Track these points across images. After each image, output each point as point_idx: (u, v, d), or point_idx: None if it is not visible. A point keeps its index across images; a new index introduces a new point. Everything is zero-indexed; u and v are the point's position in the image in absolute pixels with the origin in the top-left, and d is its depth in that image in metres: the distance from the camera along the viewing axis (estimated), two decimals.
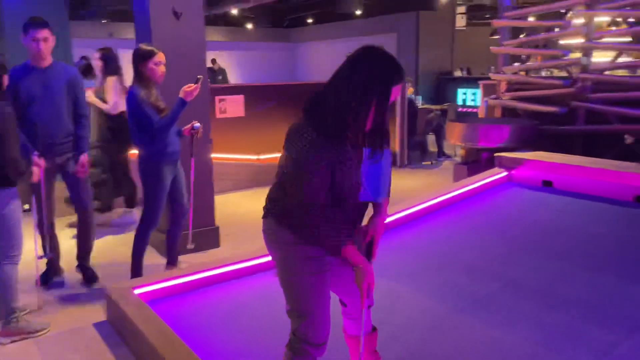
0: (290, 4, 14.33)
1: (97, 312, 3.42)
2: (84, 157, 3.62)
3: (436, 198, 4.69)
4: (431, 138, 8.80)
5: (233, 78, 15.18)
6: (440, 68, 14.44)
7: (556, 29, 5.83)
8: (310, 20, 16.21)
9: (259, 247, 3.91)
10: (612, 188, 4.46)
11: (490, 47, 6.37)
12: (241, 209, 5.89)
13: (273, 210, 1.98)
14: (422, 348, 2.76)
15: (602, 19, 5.90)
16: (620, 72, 6.11)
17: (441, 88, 14.14)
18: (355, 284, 1.92)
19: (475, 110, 11.50)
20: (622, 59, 5.94)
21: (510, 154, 5.24)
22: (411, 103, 8.14)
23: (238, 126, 7.21)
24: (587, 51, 5.61)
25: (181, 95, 3.39)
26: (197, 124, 3.63)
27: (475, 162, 5.95)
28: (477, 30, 17.27)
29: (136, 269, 3.67)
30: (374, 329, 2.25)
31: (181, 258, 4.08)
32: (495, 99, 6.47)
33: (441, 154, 8.65)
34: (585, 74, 5.63)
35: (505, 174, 5.21)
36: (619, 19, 6.00)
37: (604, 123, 5.54)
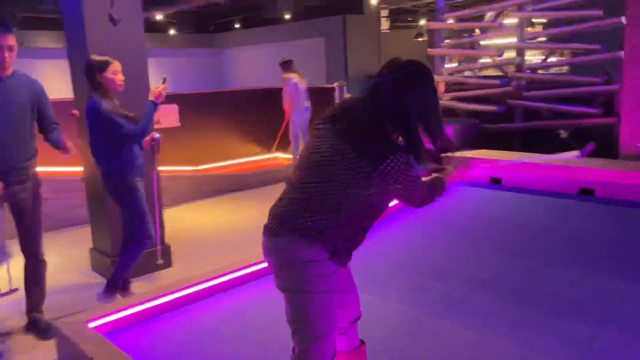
0: (216, 8, 14.00)
1: (44, 353, 3.07)
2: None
3: None
4: None
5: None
6: (369, 71, 14.66)
7: (491, 31, 6.02)
8: (237, 25, 15.90)
9: (219, 265, 3.72)
10: (558, 182, 4.64)
11: (428, 50, 6.47)
12: (186, 224, 5.60)
13: (292, 227, 1.82)
14: (409, 356, 2.69)
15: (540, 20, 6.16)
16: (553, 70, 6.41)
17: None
18: None
19: None
20: (552, 58, 6.23)
21: (458, 154, 5.31)
22: None
23: (174, 137, 6.90)
24: (520, 51, 5.84)
25: (151, 97, 3.33)
26: (157, 135, 3.49)
27: None
28: (400, 33, 17.75)
29: (113, 289, 3.51)
30: (362, 342, 2.20)
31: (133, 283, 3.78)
32: None
33: None
34: (519, 73, 5.85)
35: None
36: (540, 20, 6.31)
37: (539, 119, 5.79)
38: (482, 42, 6.66)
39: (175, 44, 16.96)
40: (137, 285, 3.82)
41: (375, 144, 1.74)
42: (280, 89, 7.36)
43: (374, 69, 9.25)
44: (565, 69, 6.61)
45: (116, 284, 3.53)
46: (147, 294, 3.30)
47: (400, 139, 1.81)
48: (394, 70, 1.80)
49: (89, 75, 3.24)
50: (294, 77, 7.07)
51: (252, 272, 3.63)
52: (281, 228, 1.84)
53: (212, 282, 3.44)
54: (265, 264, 3.68)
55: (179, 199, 6.56)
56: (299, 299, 1.86)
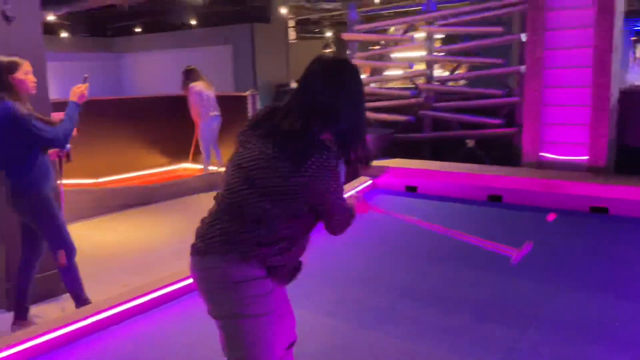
0: (115, 11, 13.26)
1: None
2: None
3: None
4: None
5: (49, 92, 13.50)
6: (277, 80, 14.64)
7: (402, 43, 6.20)
8: (138, 29, 15.17)
9: (130, 287, 3.44)
10: (468, 189, 4.85)
11: None
12: (90, 243, 5.15)
13: (222, 243, 1.67)
14: None
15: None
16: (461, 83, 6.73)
17: (279, 100, 14.30)
18: None
19: None
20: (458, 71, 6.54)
21: (374, 163, 5.40)
22: None
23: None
24: (429, 64, 6.07)
25: (72, 98, 3.06)
26: (68, 146, 3.15)
27: None
28: (309, 44, 17.94)
29: (83, 299, 3.27)
30: None
31: (33, 310, 3.38)
32: None
33: None
34: (429, 85, 6.08)
35: (370, 182, 5.36)
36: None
37: (447, 129, 6.04)
38: (392, 55, 6.86)
39: (67, 47, 15.87)
40: (42, 310, 3.42)
41: (299, 142, 1.63)
42: (186, 97, 7.09)
43: (283, 79, 9.29)
44: (461, 82, 6.97)
45: (83, 298, 3.30)
46: (56, 322, 2.96)
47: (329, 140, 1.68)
48: (325, 67, 1.72)
49: None
50: (197, 85, 6.83)
51: (169, 292, 3.39)
52: (210, 245, 1.69)
53: (126, 305, 3.17)
54: (183, 283, 3.47)
55: (80, 215, 6.03)
56: (235, 325, 1.71)
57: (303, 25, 18.05)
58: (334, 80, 1.69)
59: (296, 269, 1.84)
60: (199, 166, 7.59)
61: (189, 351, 2.79)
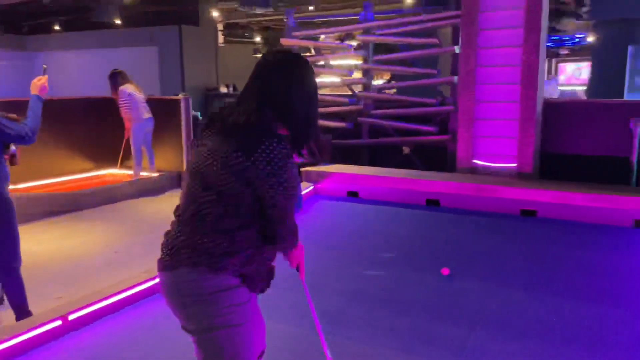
0: (33, 7, 12.47)
1: None
2: None
3: None
4: None
5: None
6: (206, 84, 14.37)
7: (342, 50, 6.31)
8: (57, 27, 14.32)
9: (64, 300, 3.24)
10: (408, 194, 5.00)
11: None
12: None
13: (191, 254, 1.62)
14: None
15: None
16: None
17: (209, 104, 14.05)
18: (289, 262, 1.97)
19: None
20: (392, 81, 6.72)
21: (315, 168, 5.44)
22: (196, 120, 7.86)
23: None
24: (367, 72, 6.21)
25: (34, 91, 2.96)
26: (13, 148, 3.02)
27: None
28: (237, 48, 17.74)
29: (26, 311, 3.13)
30: None
31: None
32: None
33: None
34: (366, 93, 6.21)
35: (311, 187, 5.39)
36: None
37: (384, 136, 6.20)
38: (331, 62, 6.95)
39: None
40: None
41: (251, 131, 1.60)
42: (111, 99, 6.80)
43: (212, 83, 9.13)
44: (392, 91, 7.18)
45: (26, 310, 3.16)
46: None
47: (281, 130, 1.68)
48: (280, 60, 1.71)
49: None
50: (127, 87, 6.57)
51: (111, 304, 3.22)
52: (180, 258, 1.64)
53: (59, 321, 2.96)
54: (124, 294, 3.31)
55: None
56: (213, 338, 1.66)
57: (230, 30, 17.87)
58: (290, 73, 1.69)
59: (269, 275, 1.82)
60: (128, 171, 7.28)
61: None
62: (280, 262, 1.91)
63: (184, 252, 1.63)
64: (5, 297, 3.23)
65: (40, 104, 2.97)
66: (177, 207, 1.74)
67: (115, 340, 2.93)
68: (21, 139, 2.91)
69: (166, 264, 1.66)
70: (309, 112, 1.71)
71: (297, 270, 2.04)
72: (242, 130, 1.61)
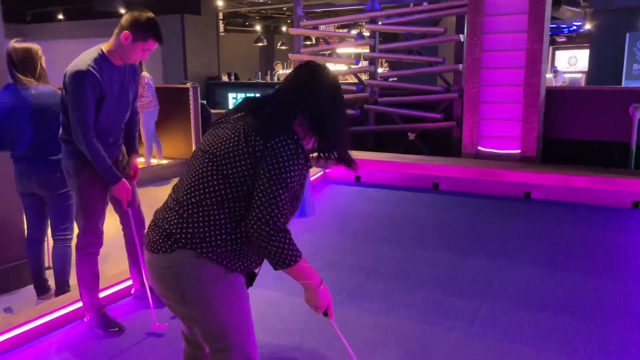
0: None
1: None
2: None
3: None
4: None
5: None
6: (208, 72, 14.48)
7: (349, 39, 6.47)
8: (60, 17, 14.36)
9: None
10: (415, 178, 5.20)
11: (290, 55, 6.69)
12: None
13: (191, 241, 1.61)
14: (328, 344, 2.82)
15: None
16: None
17: (210, 93, 14.17)
18: (314, 307, 1.77)
19: None
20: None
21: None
22: (204, 108, 8.00)
23: None
24: (373, 60, 6.37)
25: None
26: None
27: None
28: (238, 37, 17.82)
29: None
30: None
31: None
32: None
33: None
34: (372, 81, 6.38)
35: (321, 173, 5.58)
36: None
37: (390, 123, 6.38)
38: (338, 51, 7.08)
39: None
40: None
41: (273, 123, 1.64)
42: None
43: (214, 71, 9.32)
44: (393, 78, 7.31)
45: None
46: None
47: (306, 138, 1.71)
48: (331, 76, 1.76)
49: None
50: (146, 74, 6.72)
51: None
52: (171, 241, 1.63)
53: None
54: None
55: None
56: (217, 319, 1.66)
57: (230, 19, 17.92)
58: (336, 93, 1.74)
59: (250, 276, 1.80)
60: (139, 159, 7.43)
61: None
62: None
63: (181, 235, 1.62)
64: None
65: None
66: (177, 185, 1.74)
67: None
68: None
69: (157, 245, 1.65)
70: (342, 130, 1.74)
71: (325, 314, 1.82)
72: (266, 118, 1.65)
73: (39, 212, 3.33)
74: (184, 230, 1.61)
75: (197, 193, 1.63)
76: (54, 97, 3.13)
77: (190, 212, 1.62)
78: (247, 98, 1.78)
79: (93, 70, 2.56)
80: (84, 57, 2.63)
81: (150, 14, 2.67)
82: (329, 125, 1.70)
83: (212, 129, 1.74)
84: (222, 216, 1.61)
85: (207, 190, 1.62)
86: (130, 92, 2.85)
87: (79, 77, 2.53)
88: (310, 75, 1.73)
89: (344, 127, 1.75)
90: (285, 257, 1.61)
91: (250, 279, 1.80)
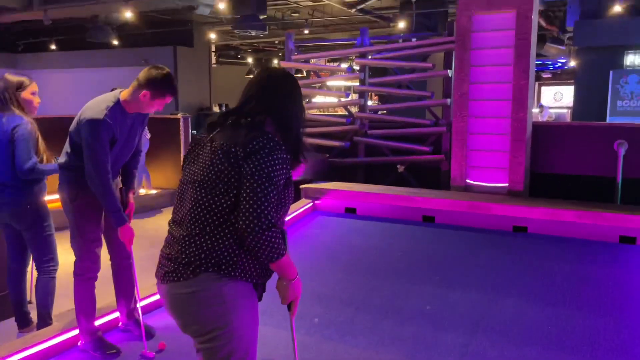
0: (31, 27, 12.61)
1: None
2: None
3: None
4: None
5: None
6: (199, 104, 14.57)
7: (339, 73, 6.56)
8: (53, 47, 14.46)
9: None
10: (404, 211, 5.20)
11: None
12: None
13: (210, 263, 1.74)
14: None
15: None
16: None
17: (201, 123, 14.24)
18: (281, 296, 1.88)
19: None
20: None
21: (314, 185, 5.64)
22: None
23: None
24: (363, 93, 6.46)
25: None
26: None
27: None
28: (230, 69, 18.01)
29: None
30: None
31: None
32: None
33: None
34: (362, 114, 6.46)
35: (311, 204, 5.57)
36: None
37: (380, 155, 6.43)
38: (328, 83, 7.18)
39: None
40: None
41: (248, 131, 1.77)
42: None
43: (205, 102, 9.40)
44: (382, 112, 7.41)
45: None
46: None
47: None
48: (286, 75, 1.95)
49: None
50: None
51: None
52: (192, 268, 1.74)
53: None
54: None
55: None
56: (235, 334, 1.78)
57: (223, 51, 18.15)
58: (293, 90, 1.92)
59: (261, 286, 1.90)
60: None
61: None
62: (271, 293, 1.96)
63: (194, 260, 1.74)
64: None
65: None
66: (177, 220, 1.85)
67: None
68: (20, 166, 3.05)
69: (175, 274, 1.76)
70: (299, 125, 1.92)
71: (289, 308, 1.94)
72: (241, 129, 1.78)
73: (18, 243, 3.29)
74: (201, 256, 1.73)
75: (198, 224, 1.75)
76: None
77: (199, 241, 1.75)
78: (218, 114, 1.91)
79: (108, 120, 2.74)
80: (100, 104, 2.80)
81: (166, 70, 2.84)
82: (293, 123, 1.88)
83: (191, 155, 1.87)
84: (226, 233, 1.73)
85: (206, 217, 1.75)
86: (137, 136, 3.00)
87: (95, 125, 2.72)
88: (271, 81, 1.91)
89: (302, 122, 1.95)
90: (276, 251, 1.71)
91: (261, 292, 1.91)
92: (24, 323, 3.32)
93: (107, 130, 2.73)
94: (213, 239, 1.73)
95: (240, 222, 1.66)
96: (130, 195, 3.08)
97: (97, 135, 2.70)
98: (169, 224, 1.89)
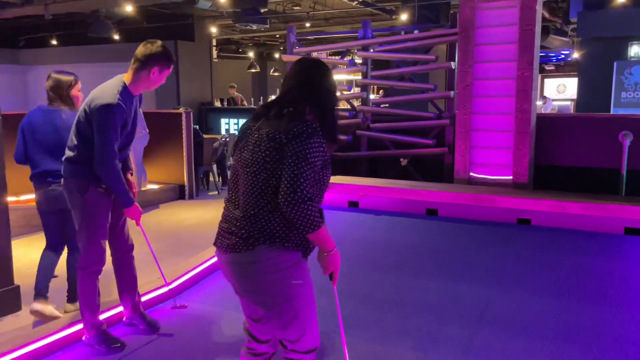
0: (31, 22, 12.58)
1: None
2: None
3: None
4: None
5: None
6: (201, 98, 14.54)
7: (342, 66, 6.52)
8: (54, 42, 14.44)
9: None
10: (408, 204, 5.18)
11: (283, 56, 6.74)
12: (26, 262, 4.89)
13: (266, 236, 1.95)
14: None
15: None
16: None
17: (203, 118, 14.21)
18: (322, 267, 2.12)
19: None
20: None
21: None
22: (197, 133, 8.01)
23: None
24: (365, 87, 6.42)
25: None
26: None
27: None
28: (232, 63, 17.97)
29: None
30: None
31: None
32: None
33: (225, 183, 8.69)
34: (365, 107, 6.42)
35: None
36: None
37: (382, 149, 6.40)
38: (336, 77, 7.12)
39: None
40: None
41: (290, 119, 1.98)
42: None
43: (206, 97, 9.37)
44: (384, 105, 7.39)
45: None
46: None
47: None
48: (316, 62, 2.15)
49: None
50: None
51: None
52: (251, 241, 1.95)
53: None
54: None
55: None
56: (289, 306, 1.99)
57: (224, 45, 18.10)
58: (325, 73, 2.12)
59: (309, 247, 2.09)
60: None
61: None
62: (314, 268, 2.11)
63: (252, 233, 1.95)
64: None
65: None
66: (234, 200, 2.06)
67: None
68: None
69: (236, 246, 1.97)
70: (333, 103, 2.15)
71: (330, 278, 2.20)
72: (284, 118, 1.99)
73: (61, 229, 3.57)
74: (259, 231, 1.96)
75: (253, 205, 1.98)
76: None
77: (255, 219, 1.97)
78: (262, 105, 2.16)
79: (122, 104, 2.80)
80: (110, 89, 2.83)
81: (160, 42, 2.94)
82: (329, 110, 2.09)
83: (241, 143, 2.09)
84: (277, 210, 1.94)
85: (257, 199, 1.97)
86: (138, 118, 3.08)
87: (110, 109, 2.76)
88: (310, 72, 2.11)
89: (336, 110, 2.18)
90: (312, 222, 1.90)
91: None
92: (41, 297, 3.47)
93: (121, 114, 2.79)
94: (266, 216, 1.95)
95: (280, 196, 1.88)
96: (129, 176, 3.17)
97: (111, 119, 2.75)
98: (225, 201, 2.12)
